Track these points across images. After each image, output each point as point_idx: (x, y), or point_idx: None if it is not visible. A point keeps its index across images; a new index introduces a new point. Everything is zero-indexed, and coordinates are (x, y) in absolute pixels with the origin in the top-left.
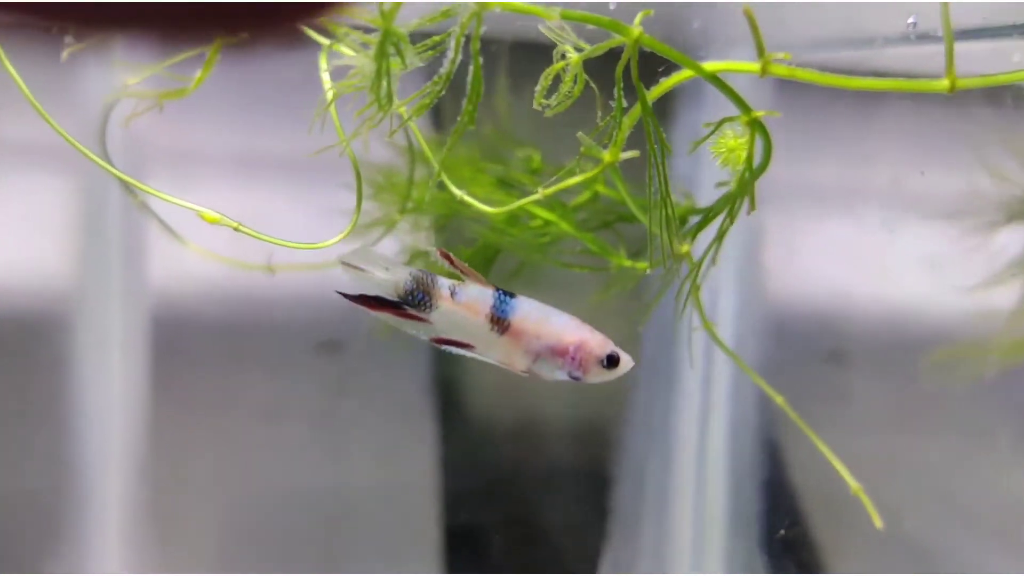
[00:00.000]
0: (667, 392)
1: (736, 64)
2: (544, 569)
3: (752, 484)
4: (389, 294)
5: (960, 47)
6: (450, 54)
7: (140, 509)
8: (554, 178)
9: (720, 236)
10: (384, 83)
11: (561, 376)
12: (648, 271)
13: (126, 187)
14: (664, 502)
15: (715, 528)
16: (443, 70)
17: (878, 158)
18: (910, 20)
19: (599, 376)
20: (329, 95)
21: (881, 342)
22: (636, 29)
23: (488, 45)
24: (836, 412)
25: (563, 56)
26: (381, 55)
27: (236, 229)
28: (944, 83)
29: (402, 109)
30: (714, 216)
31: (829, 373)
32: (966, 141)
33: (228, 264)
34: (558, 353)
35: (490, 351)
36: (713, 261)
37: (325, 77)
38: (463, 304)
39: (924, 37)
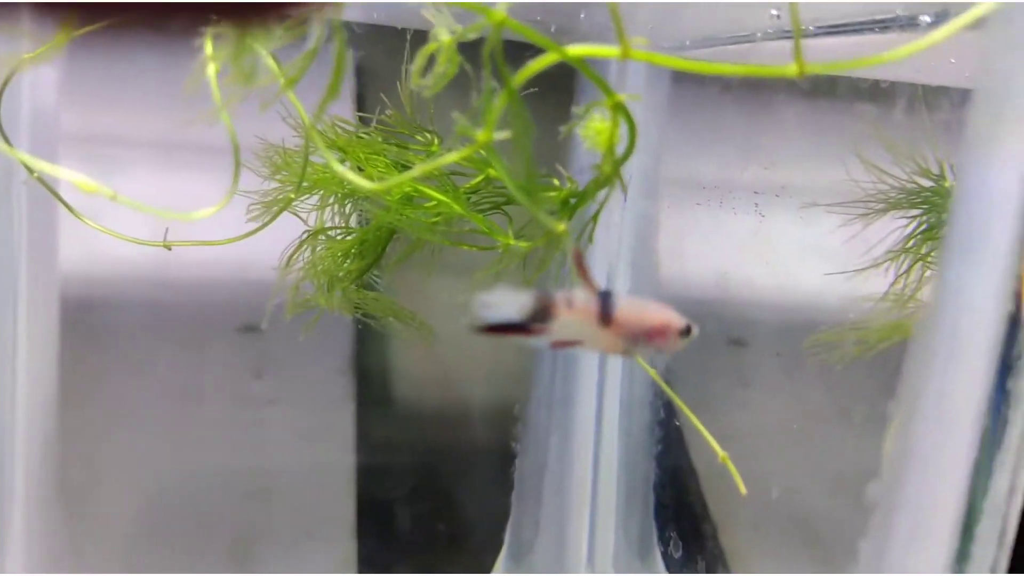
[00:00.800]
0: (566, 369)
1: (598, 49)
2: (451, 541)
3: (646, 458)
4: (516, 319)
5: (826, 42)
6: (315, 32)
7: (48, 488)
8: (432, 156)
9: (594, 216)
10: (247, 59)
11: (652, 351)
12: (519, 247)
13: (25, 164)
14: (565, 475)
15: (610, 499)
16: (308, 47)
17: (767, 151)
18: (773, 12)
19: (679, 345)
20: (209, 71)
21: (775, 327)
22: (500, 13)
23: (400, 32)
24: (738, 393)
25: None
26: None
27: (112, 198)
28: (793, 68)
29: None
30: (586, 198)
31: (732, 356)
32: (847, 135)
33: (123, 240)
34: (651, 334)
35: (596, 344)
36: (589, 240)
37: (207, 48)
38: (576, 310)
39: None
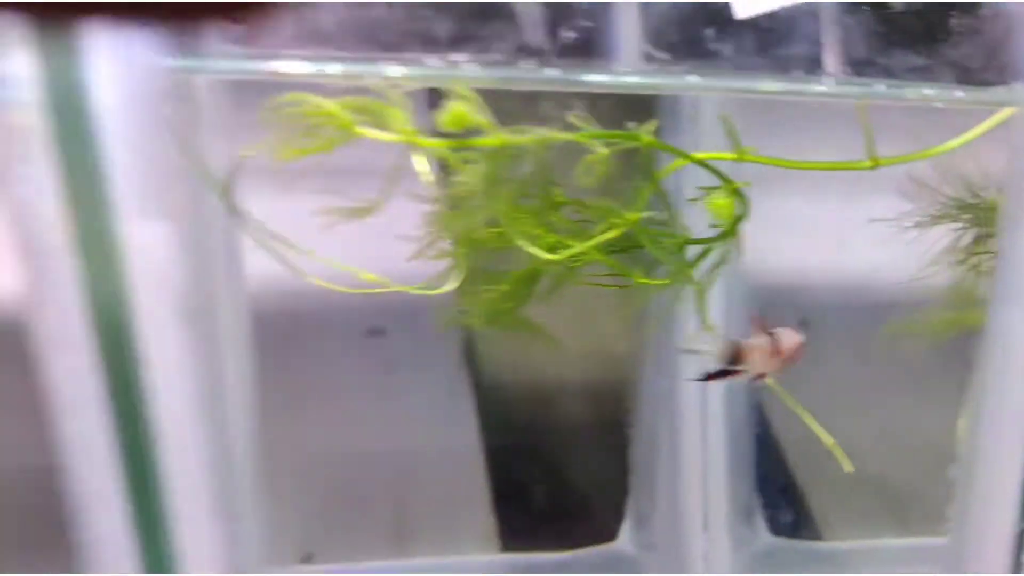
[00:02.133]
0: (669, 366)
1: (718, 154)
2: (578, 515)
3: (747, 438)
4: (720, 365)
5: None
6: None
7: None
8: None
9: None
10: None
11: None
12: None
13: None
14: (675, 455)
15: (718, 475)
16: None
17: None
18: None
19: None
20: None
21: (842, 309)
22: (647, 137)
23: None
24: (811, 373)
25: None
26: None
27: None
28: (867, 163)
29: None
30: (708, 252)
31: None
32: None
33: None
34: (792, 356)
35: (768, 370)
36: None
37: None
38: (759, 348)
39: None
